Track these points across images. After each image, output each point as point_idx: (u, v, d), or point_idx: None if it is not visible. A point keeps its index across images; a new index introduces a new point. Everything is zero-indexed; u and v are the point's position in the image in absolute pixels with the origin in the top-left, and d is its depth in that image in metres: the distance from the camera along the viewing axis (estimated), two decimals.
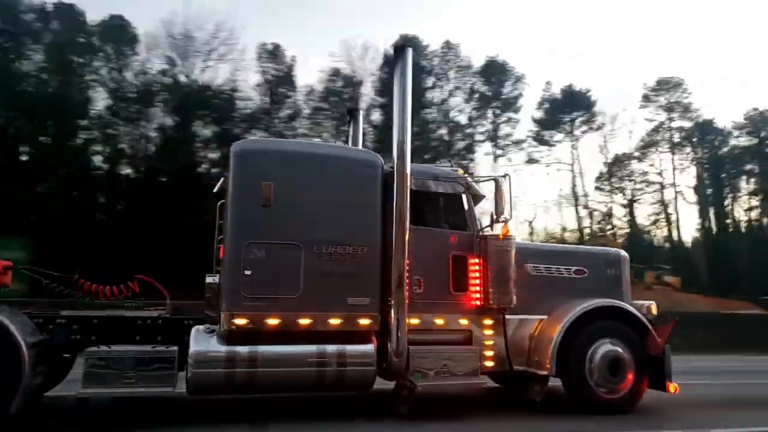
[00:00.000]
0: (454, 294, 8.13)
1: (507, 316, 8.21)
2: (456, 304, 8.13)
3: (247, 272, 7.18)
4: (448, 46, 50.35)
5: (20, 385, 6.35)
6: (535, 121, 55.35)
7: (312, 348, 7.28)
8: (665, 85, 59.19)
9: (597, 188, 56.88)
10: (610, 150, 57.08)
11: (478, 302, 8.14)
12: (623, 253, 9.39)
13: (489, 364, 8.12)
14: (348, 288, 7.52)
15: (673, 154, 58.64)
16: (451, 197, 8.46)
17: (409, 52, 8.05)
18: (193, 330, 7.24)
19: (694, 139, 58.57)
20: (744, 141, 58.23)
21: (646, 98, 59.24)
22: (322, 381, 7.35)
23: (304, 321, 7.31)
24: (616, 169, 57.03)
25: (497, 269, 8.05)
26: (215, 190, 8.34)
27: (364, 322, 7.50)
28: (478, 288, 8.15)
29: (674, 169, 58.24)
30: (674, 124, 58.67)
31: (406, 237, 7.60)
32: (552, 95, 55.91)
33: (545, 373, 7.98)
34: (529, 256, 8.62)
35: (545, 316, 8.37)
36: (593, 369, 8.02)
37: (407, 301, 7.54)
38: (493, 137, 51.94)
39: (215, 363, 7.02)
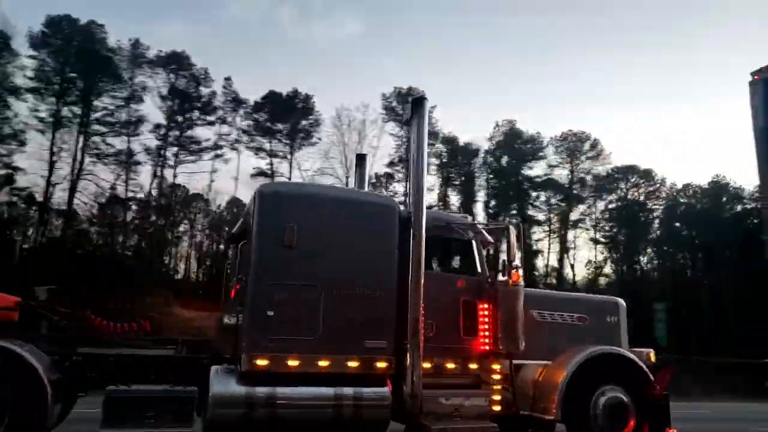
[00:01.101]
0: (464, 339, 8.34)
1: (513, 361, 8.43)
2: (466, 348, 8.33)
3: (270, 313, 7.28)
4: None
5: (45, 422, 6.32)
6: (221, 123, 50.16)
7: (330, 390, 7.37)
8: (407, 97, 53.54)
9: None
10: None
11: (486, 347, 8.36)
12: (621, 301, 9.76)
13: (496, 408, 8.29)
14: (365, 331, 7.66)
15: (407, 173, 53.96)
16: (463, 243, 8.74)
17: (426, 104, 8.41)
18: (212, 370, 7.27)
19: (445, 159, 55.28)
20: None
21: (391, 110, 54.55)
22: (338, 422, 7.42)
23: (323, 363, 7.42)
24: (379, 185, 52.71)
25: (506, 315, 8.28)
26: (234, 231, 8.46)
27: (381, 365, 7.64)
28: (487, 333, 8.38)
29: (406, 193, 52.65)
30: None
31: (422, 282, 7.82)
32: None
33: (551, 418, 8.18)
34: (534, 302, 8.89)
35: (549, 362, 8.61)
36: (597, 415, 8.24)
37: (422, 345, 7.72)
38: (180, 142, 48.35)
39: (235, 404, 7.06)
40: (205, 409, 7.08)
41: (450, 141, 55.61)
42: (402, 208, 8.40)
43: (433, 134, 54.06)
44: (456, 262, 8.93)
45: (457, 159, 55.98)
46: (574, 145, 57.88)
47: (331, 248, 7.75)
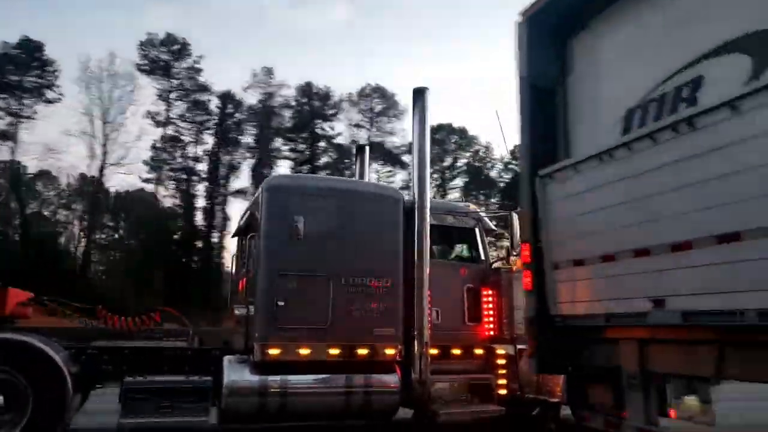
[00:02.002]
0: (469, 325, 8.54)
1: (518, 346, 8.62)
2: (471, 334, 8.53)
3: (280, 303, 7.43)
4: None
5: (66, 414, 6.47)
6: None
7: (341, 377, 7.55)
8: (169, 45, 46.71)
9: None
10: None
11: (491, 332, 8.55)
12: None
13: (503, 391, 8.49)
14: (373, 319, 7.83)
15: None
16: (465, 231, 8.91)
17: (428, 93, 8.53)
18: (225, 360, 7.43)
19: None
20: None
21: (151, 61, 45.99)
22: (348, 409, 7.61)
23: (334, 351, 7.59)
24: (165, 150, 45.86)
25: (510, 300, 8.48)
26: (240, 224, 8.58)
27: (390, 352, 7.82)
28: (491, 319, 8.57)
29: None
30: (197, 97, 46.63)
31: (427, 271, 7.99)
32: None
33: (556, 400, 8.38)
34: None
35: None
36: None
37: (428, 332, 7.90)
38: None
39: (249, 393, 7.23)
40: (219, 398, 7.25)
41: (227, 97, 47.63)
42: (406, 197, 8.54)
43: (206, 89, 47.26)
44: (459, 249, 9.08)
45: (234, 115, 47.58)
46: (373, 102, 51.33)
47: (338, 239, 7.89)
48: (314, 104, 50.48)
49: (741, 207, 4.33)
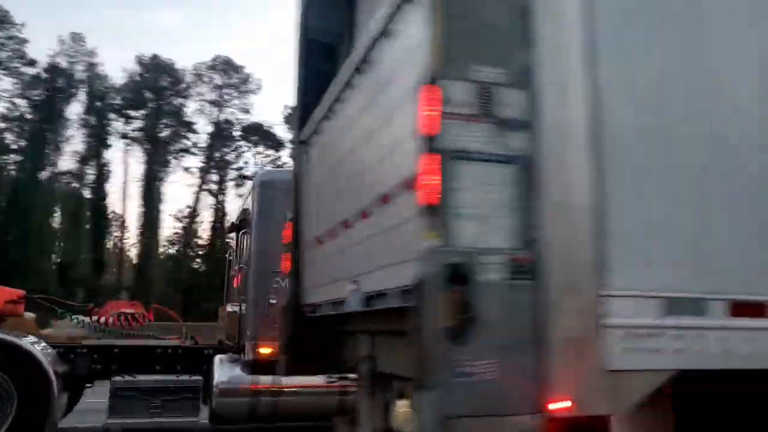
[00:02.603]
0: None
1: None
2: None
3: (272, 300, 7.27)
4: None
5: (50, 416, 6.34)
6: None
7: (334, 377, 7.38)
8: None
9: None
10: None
11: None
12: None
13: None
14: None
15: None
16: None
17: None
18: (216, 359, 7.29)
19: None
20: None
21: None
22: (342, 410, 7.44)
23: None
24: None
25: None
26: (234, 221, 8.45)
27: None
28: None
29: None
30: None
31: None
32: None
33: None
34: None
35: None
36: None
37: None
38: None
39: (240, 393, 7.08)
40: (210, 398, 7.12)
41: (55, 70, 42.13)
42: None
43: (29, 60, 41.34)
44: None
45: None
46: (224, 76, 46.25)
47: None
48: (157, 77, 44.48)
49: (394, 161, 3.32)
